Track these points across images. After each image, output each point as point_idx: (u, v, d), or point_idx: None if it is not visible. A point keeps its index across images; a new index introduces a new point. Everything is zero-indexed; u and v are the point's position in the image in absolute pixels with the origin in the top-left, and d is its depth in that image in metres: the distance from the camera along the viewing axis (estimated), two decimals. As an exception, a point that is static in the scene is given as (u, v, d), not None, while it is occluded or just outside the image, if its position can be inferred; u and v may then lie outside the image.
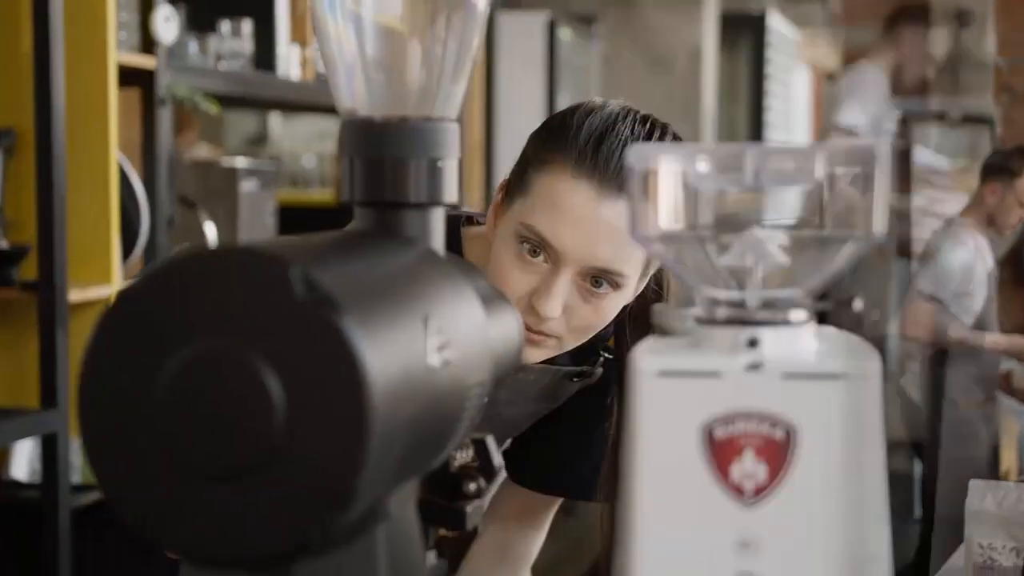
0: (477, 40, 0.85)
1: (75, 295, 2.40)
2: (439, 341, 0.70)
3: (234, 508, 0.62)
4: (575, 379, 1.43)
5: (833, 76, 9.93)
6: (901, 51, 4.52)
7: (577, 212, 1.24)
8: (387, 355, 0.63)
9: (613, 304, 1.29)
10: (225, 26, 3.02)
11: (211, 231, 2.93)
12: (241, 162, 3.17)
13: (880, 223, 0.69)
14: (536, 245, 1.26)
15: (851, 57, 10.01)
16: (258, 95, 3.16)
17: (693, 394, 0.69)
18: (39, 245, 2.35)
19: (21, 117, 2.43)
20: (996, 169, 4.40)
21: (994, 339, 4.44)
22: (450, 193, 0.83)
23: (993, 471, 4.27)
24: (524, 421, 1.47)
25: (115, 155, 2.49)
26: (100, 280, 2.48)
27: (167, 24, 2.61)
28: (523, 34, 5.18)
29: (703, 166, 0.71)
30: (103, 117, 2.46)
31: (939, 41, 4.75)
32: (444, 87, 0.83)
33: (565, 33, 5.20)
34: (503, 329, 0.85)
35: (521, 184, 1.29)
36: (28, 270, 2.40)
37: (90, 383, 0.64)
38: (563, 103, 6.14)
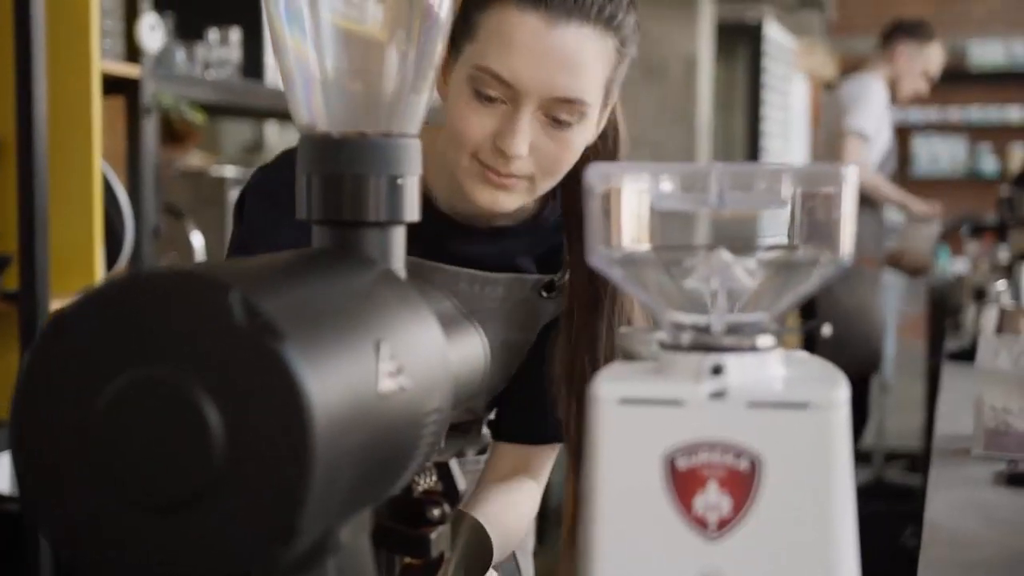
0: (439, 50, 0.83)
1: (57, 306, 2.37)
2: (392, 367, 0.67)
3: (172, 540, 0.59)
4: (544, 293, 1.40)
5: (831, 85, 9.93)
6: (896, 65, 4.55)
7: (529, 44, 1.21)
8: (332, 382, 0.61)
9: (578, 137, 1.27)
10: (213, 34, 3.00)
11: (198, 241, 2.90)
12: (231, 171, 3.15)
13: (848, 247, 0.67)
14: (492, 86, 1.23)
15: (848, 66, 10.00)
16: (246, 104, 3.13)
17: (655, 423, 0.66)
18: (21, 255, 2.32)
19: (3, 125, 2.40)
20: (907, 32, 4.59)
21: (893, 189, 4.80)
22: (411, 211, 0.80)
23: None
24: (500, 367, 1.42)
25: (99, 164, 2.46)
26: (83, 290, 2.45)
27: (152, 32, 2.58)
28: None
29: (666, 186, 0.69)
30: (87, 126, 2.43)
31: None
32: (404, 102, 0.81)
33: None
34: (464, 350, 0.83)
35: (466, 29, 1.26)
36: (9, 280, 2.37)
37: (24, 408, 0.61)
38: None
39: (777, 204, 0.68)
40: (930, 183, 10.27)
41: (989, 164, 10.14)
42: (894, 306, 6.14)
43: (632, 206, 0.69)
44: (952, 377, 2.70)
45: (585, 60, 1.22)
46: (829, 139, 4.55)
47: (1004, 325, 2.89)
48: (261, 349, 0.58)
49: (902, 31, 4.62)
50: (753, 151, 7.35)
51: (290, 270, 0.69)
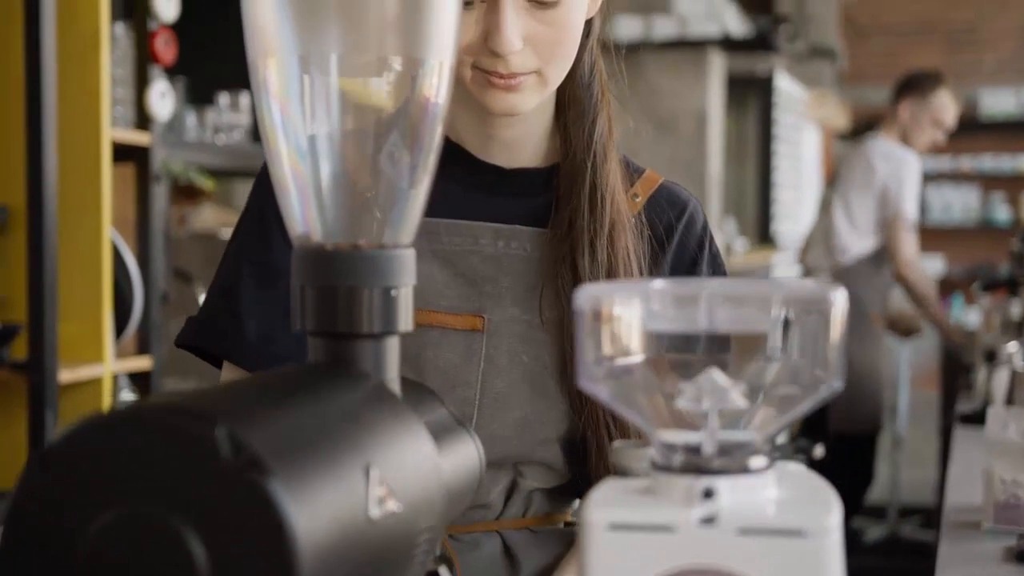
0: (433, 159, 0.83)
1: (66, 375, 2.38)
2: (382, 491, 0.67)
3: (159, 676, 0.59)
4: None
5: (843, 135, 9.95)
6: (902, 120, 4.57)
7: None
8: (321, 515, 0.60)
9: (572, 14, 1.19)
10: (224, 99, 3.02)
11: (207, 305, 2.90)
12: (240, 234, 3.15)
13: (838, 373, 0.67)
14: None
15: (859, 116, 10.03)
16: (255, 168, 3.14)
17: (645, 549, 0.66)
18: (29, 325, 2.33)
19: (14, 194, 2.41)
20: (909, 87, 4.59)
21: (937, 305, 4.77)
22: (405, 321, 0.80)
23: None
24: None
25: (108, 232, 2.48)
26: (92, 359, 2.46)
27: (163, 100, 2.60)
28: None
29: (656, 307, 0.69)
30: (96, 194, 2.45)
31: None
32: (399, 211, 0.81)
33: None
34: (458, 461, 0.83)
35: None
36: (18, 349, 2.37)
37: (10, 545, 0.61)
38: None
39: (767, 324, 0.68)
40: (943, 232, 10.27)
41: (1002, 213, 10.13)
42: (907, 358, 6.12)
43: (621, 327, 0.69)
44: (963, 443, 2.69)
45: None
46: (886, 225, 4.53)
47: (1016, 388, 2.87)
48: (247, 485, 0.58)
49: (904, 86, 4.65)
50: (764, 203, 7.36)
51: (280, 393, 0.69)
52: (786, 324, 0.68)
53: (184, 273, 2.93)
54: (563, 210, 1.25)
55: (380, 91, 0.79)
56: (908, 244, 4.44)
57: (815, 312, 0.67)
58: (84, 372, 2.43)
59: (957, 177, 10.20)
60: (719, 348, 0.70)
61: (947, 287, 10.24)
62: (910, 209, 4.45)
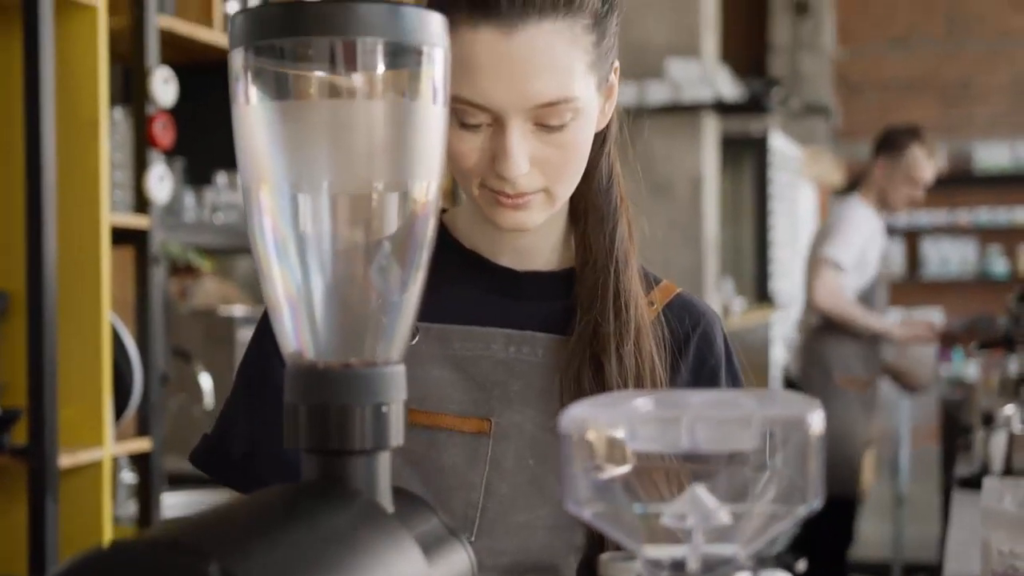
0: (422, 275, 0.85)
1: (66, 460, 2.39)
2: (373, 613, 0.69)
3: None
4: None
5: (839, 191, 10.02)
6: (876, 180, 4.59)
7: (489, 59, 1.13)
8: (313, 645, 0.62)
9: (579, 134, 1.18)
10: (221, 178, 3.05)
11: (207, 383, 2.92)
12: (239, 310, 3.18)
13: (816, 493, 0.68)
14: (471, 113, 1.15)
15: (854, 171, 10.10)
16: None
17: (632, 668, 0.67)
18: (29, 410, 2.35)
19: (14, 280, 2.44)
20: (883, 144, 4.57)
21: (891, 323, 4.63)
22: (396, 437, 0.82)
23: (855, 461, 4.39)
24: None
25: (107, 317, 2.50)
26: (92, 443, 2.47)
27: (161, 183, 2.63)
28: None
29: (640, 427, 0.71)
30: (96, 278, 2.47)
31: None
32: (390, 328, 0.83)
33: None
34: (450, 570, 0.84)
35: None
36: (18, 434, 2.39)
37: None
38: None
39: (748, 443, 0.70)
40: (941, 286, 10.30)
41: (999, 266, 10.17)
42: (907, 414, 6.12)
43: (606, 448, 0.71)
44: (961, 508, 2.69)
45: (555, 56, 1.14)
46: (816, 264, 4.54)
47: (1014, 452, 2.88)
48: (241, 620, 0.59)
49: (878, 144, 4.67)
50: (761, 262, 7.39)
51: (273, 518, 0.71)
52: (767, 444, 0.70)
53: (184, 352, 2.95)
54: (586, 315, 1.24)
55: (370, 214, 0.82)
56: (822, 280, 4.38)
57: (794, 433, 0.69)
58: (84, 456, 2.44)
59: (954, 231, 10.25)
60: (703, 465, 0.72)
61: (946, 340, 10.26)
62: (834, 251, 4.39)
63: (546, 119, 1.15)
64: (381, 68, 0.79)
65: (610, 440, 0.71)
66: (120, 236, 2.60)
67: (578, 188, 1.25)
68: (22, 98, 2.38)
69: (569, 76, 1.15)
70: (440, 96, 0.82)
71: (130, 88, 2.74)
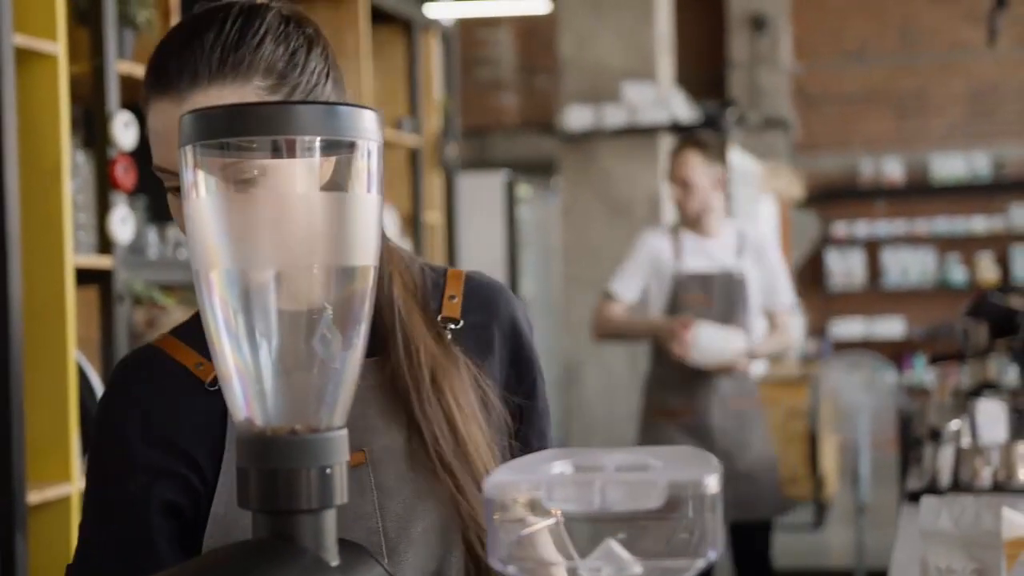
0: (360, 345, 0.92)
1: (34, 497, 2.45)
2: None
3: None
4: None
5: (800, 204, 10.15)
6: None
7: (165, 127, 1.19)
8: None
9: (286, 187, 1.14)
10: (183, 215, 3.12)
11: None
12: (203, 342, 3.23)
13: (715, 545, 0.76)
14: (169, 179, 1.20)
15: (814, 184, 10.23)
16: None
17: None
18: (-3, 449, 2.41)
19: (-20, 321, 2.49)
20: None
21: (635, 320, 4.19)
22: (340, 495, 0.89)
23: None
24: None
25: (73, 355, 2.55)
26: (59, 479, 2.53)
27: (123, 224, 2.70)
28: (483, 192, 5.33)
29: (556, 492, 0.78)
30: (61, 318, 2.53)
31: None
32: (332, 396, 0.90)
33: (524, 189, 5.32)
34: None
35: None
36: (-13, 473, 2.44)
37: None
38: (525, 256, 6.28)
39: (654, 504, 0.77)
40: (900, 295, 10.45)
41: (958, 274, 10.33)
42: (867, 424, 6.22)
43: (525, 510, 0.78)
44: (908, 523, 2.77)
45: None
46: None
47: (960, 466, 2.96)
48: None
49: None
50: (723, 276, 7.48)
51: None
52: (671, 503, 0.78)
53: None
54: (386, 362, 1.28)
55: (312, 292, 0.89)
56: (598, 312, 4.20)
57: (693, 492, 0.77)
58: (51, 492, 2.50)
59: (913, 240, 10.41)
60: (615, 523, 0.79)
61: (907, 348, 10.42)
62: (613, 280, 4.21)
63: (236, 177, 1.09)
64: (319, 162, 0.87)
65: (530, 501, 0.79)
66: (84, 276, 2.66)
67: None
68: (-15, 144, 2.43)
69: None
70: (375, 185, 0.90)
71: (91, 131, 2.80)
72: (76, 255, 2.60)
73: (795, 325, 4.22)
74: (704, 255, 4.16)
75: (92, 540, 1.29)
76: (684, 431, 4.18)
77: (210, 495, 1.26)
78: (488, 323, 1.35)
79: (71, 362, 2.55)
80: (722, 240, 4.16)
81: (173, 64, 1.20)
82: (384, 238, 1.32)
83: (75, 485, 2.55)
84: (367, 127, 0.89)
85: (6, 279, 2.41)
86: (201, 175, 0.88)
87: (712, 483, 0.76)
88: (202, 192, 0.88)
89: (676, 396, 4.19)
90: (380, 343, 1.29)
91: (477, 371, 1.30)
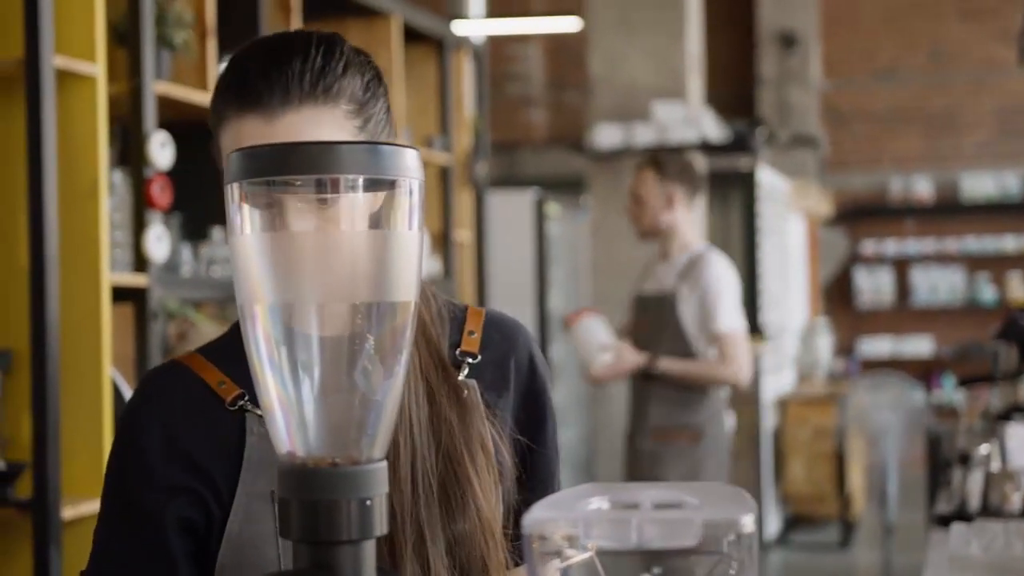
0: (401, 376, 0.94)
1: (69, 512, 2.48)
2: None
3: None
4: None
5: (829, 222, 10.13)
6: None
7: (251, 142, 1.20)
8: None
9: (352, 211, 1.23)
10: (218, 233, 3.15)
11: (204, 432, 3.00)
12: (235, 358, 3.26)
13: (750, 583, 0.77)
14: None
15: (842, 202, 10.21)
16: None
17: None
18: (34, 464, 2.43)
19: (18, 338, 2.53)
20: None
21: (668, 363, 4.02)
22: (380, 526, 0.91)
23: None
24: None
25: (108, 372, 2.59)
26: (94, 495, 2.55)
27: (159, 243, 2.73)
28: (513, 210, 5.35)
29: (594, 530, 0.80)
30: (97, 336, 2.56)
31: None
32: (373, 429, 0.92)
33: (553, 207, 5.34)
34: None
35: (219, 154, 1.26)
36: (23, 488, 2.47)
37: None
38: (554, 274, 6.29)
39: (690, 543, 0.79)
40: (930, 313, 10.41)
41: (988, 293, 10.28)
42: (894, 444, 6.20)
43: (563, 546, 0.80)
44: (937, 548, 2.77)
45: (318, 138, 1.22)
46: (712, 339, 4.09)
47: (990, 490, 2.95)
48: None
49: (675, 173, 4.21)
50: (751, 295, 7.48)
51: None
52: (707, 541, 0.79)
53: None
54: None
55: (353, 326, 0.91)
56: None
57: (730, 531, 0.78)
58: (86, 508, 2.53)
59: (943, 259, 10.36)
60: (652, 558, 0.81)
61: (936, 367, 10.38)
62: (726, 321, 4.07)
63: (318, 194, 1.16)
64: (361, 200, 0.89)
65: (567, 537, 0.81)
66: (120, 294, 2.70)
67: None
68: (25, 164, 2.47)
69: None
70: (416, 221, 0.91)
71: (128, 150, 2.84)
72: (112, 273, 2.64)
73: (742, 354, 3.98)
74: (655, 279, 4.17)
75: (107, 551, 1.29)
76: (630, 453, 4.18)
77: (224, 513, 1.26)
78: (505, 360, 1.37)
79: (106, 379, 2.58)
80: (673, 263, 4.11)
81: (261, 83, 1.21)
82: None
83: (109, 501, 2.58)
84: (409, 165, 0.91)
85: (44, 297, 2.45)
86: (247, 212, 0.90)
87: (748, 522, 0.77)
88: (247, 229, 0.90)
89: (628, 415, 4.21)
90: None
91: (487, 410, 1.31)
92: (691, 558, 0.80)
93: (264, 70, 1.22)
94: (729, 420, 4.16)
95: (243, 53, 1.26)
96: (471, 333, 1.36)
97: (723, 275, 4.07)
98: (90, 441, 2.56)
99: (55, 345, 2.46)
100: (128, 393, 2.70)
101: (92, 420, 2.56)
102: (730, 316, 4.03)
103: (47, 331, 2.45)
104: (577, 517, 0.80)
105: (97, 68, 2.59)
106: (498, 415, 1.33)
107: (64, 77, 2.54)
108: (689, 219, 4.13)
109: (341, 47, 1.26)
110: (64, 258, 2.53)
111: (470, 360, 1.34)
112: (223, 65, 3.11)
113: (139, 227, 2.74)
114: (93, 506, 2.56)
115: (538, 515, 0.80)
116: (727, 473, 4.13)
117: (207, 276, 3.06)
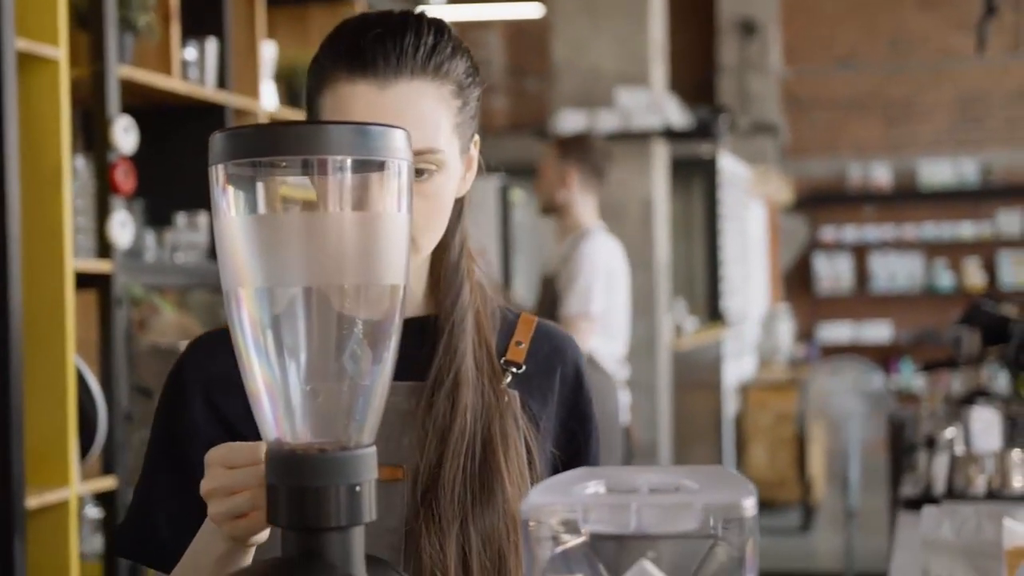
0: (390, 363, 0.93)
1: (33, 500, 2.44)
2: None
3: None
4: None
5: (789, 208, 10.17)
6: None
7: (364, 110, 1.22)
8: None
9: (442, 188, 1.25)
10: (181, 219, 3.11)
11: (169, 420, 2.97)
12: (199, 345, 3.23)
13: (753, 568, 0.76)
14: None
15: (803, 188, 10.26)
16: (214, 283, 3.24)
17: None
18: (-3, 453, 2.40)
19: (-20, 325, 2.48)
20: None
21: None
22: (369, 512, 0.89)
23: None
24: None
25: (72, 359, 2.55)
26: (58, 483, 2.52)
27: (123, 229, 2.69)
28: (477, 197, 5.29)
29: (592, 514, 0.78)
30: (60, 323, 2.52)
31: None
32: (361, 415, 0.91)
33: (518, 194, 5.33)
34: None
35: (312, 115, 1.28)
36: (-15, 478, 2.43)
37: None
38: (518, 262, 6.29)
39: (690, 527, 0.78)
40: (889, 300, 10.47)
41: (945, 279, 10.36)
42: (857, 432, 6.23)
43: (560, 531, 0.79)
44: (905, 530, 2.78)
45: (424, 110, 1.24)
46: None
47: (955, 473, 2.97)
48: None
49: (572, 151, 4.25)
50: (713, 281, 7.51)
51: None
52: (707, 525, 0.78)
53: (145, 389, 3.00)
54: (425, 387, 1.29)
55: (341, 310, 0.89)
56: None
57: (731, 515, 0.77)
58: (50, 496, 2.49)
59: (901, 245, 10.43)
60: (650, 542, 0.80)
61: (894, 352, 10.45)
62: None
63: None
64: (349, 182, 0.87)
65: (565, 522, 0.79)
66: (83, 280, 2.66)
67: (436, 252, 1.31)
68: (-14, 148, 2.43)
69: (435, 130, 1.24)
70: (404, 203, 0.90)
71: (91, 135, 2.80)
72: (76, 259, 2.60)
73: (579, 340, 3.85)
74: (552, 260, 4.25)
75: (148, 500, 1.29)
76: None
77: None
78: (551, 373, 1.36)
79: (70, 366, 2.54)
80: (564, 244, 4.14)
81: (378, 50, 1.23)
82: (464, 255, 1.34)
83: (74, 489, 2.55)
84: (397, 146, 0.89)
85: (6, 283, 2.41)
86: (231, 193, 0.88)
87: (749, 506, 0.77)
88: (232, 211, 0.88)
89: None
90: (427, 365, 1.30)
91: (527, 422, 1.31)
92: (690, 542, 0.79)
93: (380, 39, 1.23)
94: (622, 399, 4.04)
95: (354, 22, 1.27)
96: (519, 343, 1.36)
97: (592, 256, 4.02)
98: (54, 429, 2.52)
99: (18, 332, 2.42)
100: (93, 381, 2.66)
101: (56, 408, 2.52)
102: (578, 299, 3.97)
103: (10, 318, 2.41)
104: (575, 502, 0.79)
105: (59, 51, 2.55)
106: (540, 426, 1.33)
107: (26, 60, 2.50)
108: (584, 201, 4.12)
109: (450, 31, 1.29)
110: (27, 244, 2.49)
111: (514, 370, 1.33)
112: (190, 49, 3.08)
113: (103, 213, 2.70)
114: (58, 495, 2.52)
115: (535, 500, 0.79)
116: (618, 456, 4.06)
117: (171, 262, 3.02)
